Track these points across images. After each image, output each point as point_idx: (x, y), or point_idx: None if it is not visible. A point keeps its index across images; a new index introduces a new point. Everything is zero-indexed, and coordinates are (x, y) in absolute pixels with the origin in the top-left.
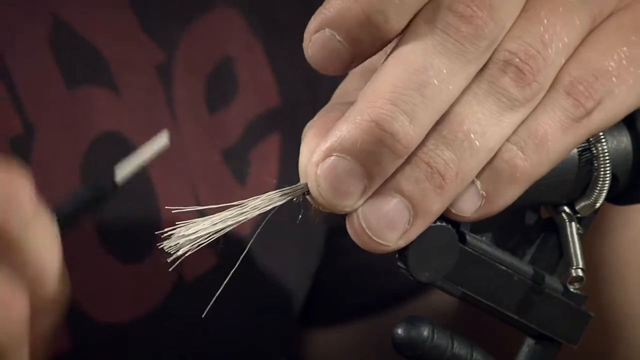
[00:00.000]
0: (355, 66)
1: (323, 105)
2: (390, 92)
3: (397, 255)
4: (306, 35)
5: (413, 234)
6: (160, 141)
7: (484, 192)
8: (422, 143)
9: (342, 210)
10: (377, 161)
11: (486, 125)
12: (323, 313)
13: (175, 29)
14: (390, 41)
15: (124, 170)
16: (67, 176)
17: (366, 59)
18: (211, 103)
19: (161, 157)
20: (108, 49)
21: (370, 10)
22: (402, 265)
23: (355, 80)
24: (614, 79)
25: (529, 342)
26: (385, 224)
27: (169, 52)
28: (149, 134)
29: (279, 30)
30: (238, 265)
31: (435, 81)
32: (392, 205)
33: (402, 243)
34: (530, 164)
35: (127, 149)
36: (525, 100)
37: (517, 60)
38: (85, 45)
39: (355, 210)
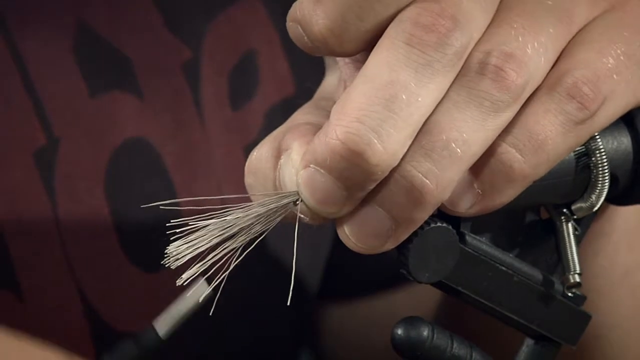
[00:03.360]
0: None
1: None
2: (357, 110)
3: (396, 255)
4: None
5: (399, 239)
6: (200, 290)
7: (479, 190)
8: (403, 157)
9: (329, 217)
10: (349, 177)
11: (468, 132)
12: (337, 289)
13: (201, 24)
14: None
15: (166, 323)
16: (91, 186)
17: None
18: (234, 99)
19: (184, 161)
20: (133, 51)
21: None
22: (401, 265)
23: (307, 108)
24: (615, 76)
25: (529, 342)
26: (368, 232)
27: (195, 48)
28: (174, 138)
29: None
30: (253, 258)
31: (403, 95)
32: (372, 216)
33: (390, 246)
34: (529, 166)
35: (151, 154)
36: (510, 100)
37: (494, 59)
38: (109, 50)
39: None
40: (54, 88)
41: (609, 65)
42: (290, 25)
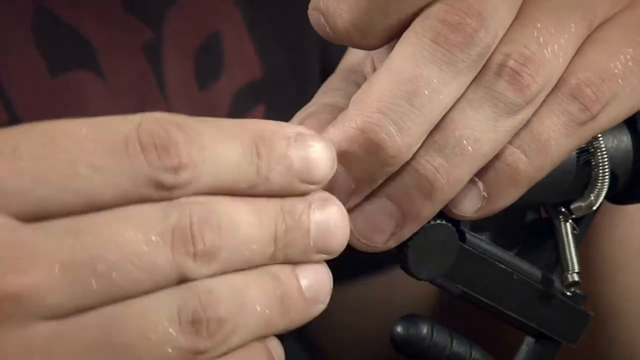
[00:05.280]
0: None
1: (305, 77)
2: (379, 101)
3: (395, 252)
4: None
5: (403, 236)
6: None
7: (485, 194)
8: (417, 151)
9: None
10: (363, 168)
11: (481, 132)
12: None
13: (161, 5)
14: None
15: None
16: None
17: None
18: (200, 79)
19: None
20: (93, 33)
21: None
22: (401, 262)
23: (336, 80)
24: (620, 81)
25: (528, 340)
26: (372, 227)
27: (157, 29)
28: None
29: (259, 2)
30: None
31: (426, 91)
32: (379, 209)
33: (391, 244)
34: (533, 167)
35: None
36: (524, 104)
37: (512, 62)
38: (69, 32)
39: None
40: (14, 68)
41: (616, 69)
42: (312, 13)
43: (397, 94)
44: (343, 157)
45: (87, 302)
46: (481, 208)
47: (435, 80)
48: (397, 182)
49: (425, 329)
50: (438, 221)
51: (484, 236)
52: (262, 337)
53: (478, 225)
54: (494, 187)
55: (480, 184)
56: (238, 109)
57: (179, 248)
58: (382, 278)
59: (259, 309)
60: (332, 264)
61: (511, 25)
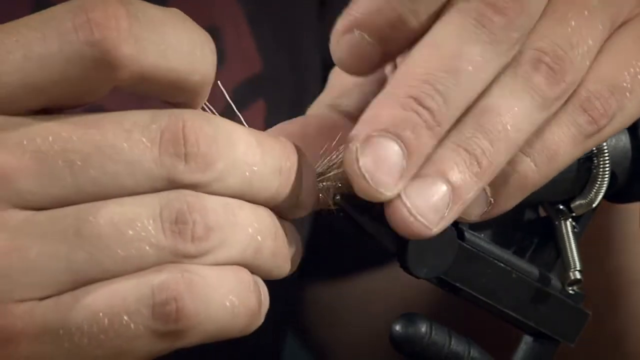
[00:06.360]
0: (383, 66)
1: (304, 72)
2: (426, 74)
3: (395, 252)
4: (334, 37)
5: (449, 220)
6: None
7: (492, 199)
8: (460, 130)
9: (379, 197)
10: (415, 137)
11: (522, 121)
12: (315, 271)
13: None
14: (417, 39)
15: None
16: None
17: (394, 59)
18: None
19: None
20: None
21: (402, 9)
22: (400, 261)
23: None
24: (627, 94)
25: (527, 339)
26: (431, 207)
27: None
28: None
29: None
30: None
31: (470, 67)
32: (438, 189)
33: (439, 228)
34: (540, 175)
35: None
36: (555, 99)
37: (548, 58)
38: None
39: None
40: None
41: (625, 82)
42: (344, 39)
43: (443, 68)
44: (394, 127)
45: (61, 193)
46: (486, 212)
47: (478, 59)
48: (452, 162)
49: (423, 328)
50: None
51: (482, 235)
52: (249, 267)
53: (477, 224)
54: (501, 192)
55: (487, 189)
56: (238, 103)
57: (167, 148)
58: (384, 272)
59: (250, 231)
60: (334, 259)
61: (545, 15)
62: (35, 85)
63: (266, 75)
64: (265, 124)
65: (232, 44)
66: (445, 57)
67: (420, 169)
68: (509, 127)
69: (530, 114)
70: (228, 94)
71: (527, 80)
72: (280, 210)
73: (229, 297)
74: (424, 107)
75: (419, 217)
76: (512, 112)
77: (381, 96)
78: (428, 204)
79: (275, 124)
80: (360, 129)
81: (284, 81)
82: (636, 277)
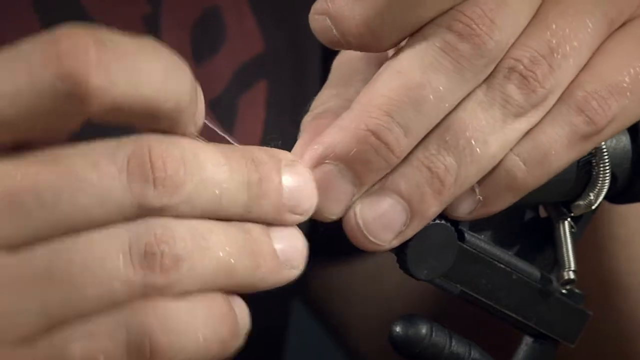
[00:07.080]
0: None
1: (305, 52)
2: (387, 105)
3: (395, 252)
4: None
5: (407, 235)
6: None
7: (480, 197)
8: (424, 147)
9: (328, 218)
10: (369, 169)
11: (489, 133)
12: (319, 256)
13: None
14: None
15: None
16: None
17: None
18: (197, 53)
19: None
20: (93, 7)
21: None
22: (400, 262)
23: (328, 93)
24: (628, 94)
25: (527, 340)
26: (382, 224)
27: (155, 3)
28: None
29: None
30: None
31: (432, 97)
32: (390, 206)
33: (395, 243)
34: (531, 176)
35: None
36: (530, 107)
37: (521, 67)
38: (69, 5)
39: (353, 210)
40: (12, 36)
41: (625, 82)
42: (316, 18)
43: (404, 100)
44: (349, 158)
45: (32, 232)
46: (475, 211)
47: (441, 88)
48: (410, 179)
49: (424, 329)
50: (437, 221)
51: (483, 236)
52: (224, 290)
53: (477, 225)
54: (490, 191)
55: (476, 187)
56: (239, 83)
57: (134, 174)
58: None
59: (221, 254)
60: (342, 241)
61: (530, 24)
62: (6, 121)
63: (268, 55)
64: (266, 104)
65: (233, 23)
66: (407, 87)
67: (377, 184)
68: (473, 142)
69: (501, 126)
70: (229, 75)
71: (500, 91)
72: (268, 220)
73: (201, 331)
74: (382, 141)
75: (368, 235)
76: (479, 125)
77: (342, 122)
78: (379, 221)
79: (277, 104)
80: (315, 151)
81: (285, 60)
82: (636, 277)
